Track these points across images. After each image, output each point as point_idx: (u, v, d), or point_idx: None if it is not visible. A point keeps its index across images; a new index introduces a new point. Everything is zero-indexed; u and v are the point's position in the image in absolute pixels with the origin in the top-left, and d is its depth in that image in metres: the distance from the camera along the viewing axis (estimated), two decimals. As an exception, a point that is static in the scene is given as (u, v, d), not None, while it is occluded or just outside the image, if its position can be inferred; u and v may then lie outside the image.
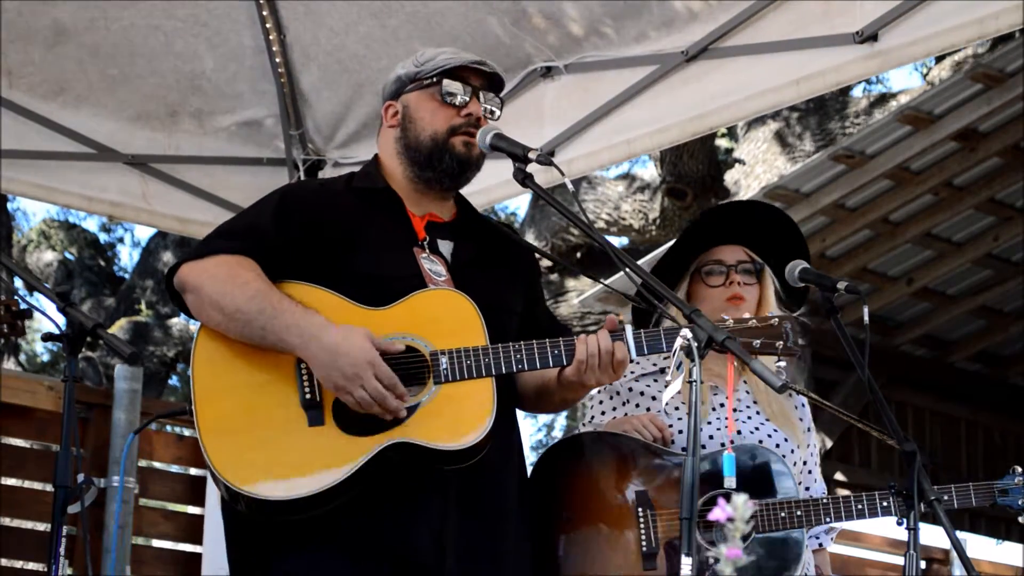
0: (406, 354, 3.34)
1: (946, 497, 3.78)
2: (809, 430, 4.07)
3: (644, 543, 3.70)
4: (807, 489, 3.99)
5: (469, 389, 3.31)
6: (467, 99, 3.51)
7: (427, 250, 3.51)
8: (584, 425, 4.05)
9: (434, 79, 3.52)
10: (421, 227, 3.54)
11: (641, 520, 3.71)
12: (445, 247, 3.56)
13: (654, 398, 3.94)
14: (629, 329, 3.40)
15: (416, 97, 3.55)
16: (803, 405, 4.09)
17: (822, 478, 4.09)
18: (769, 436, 3.87)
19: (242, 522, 3.38)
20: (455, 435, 3.28)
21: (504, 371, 3.33)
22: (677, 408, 3.88)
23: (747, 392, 3.98)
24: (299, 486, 3.24)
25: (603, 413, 4.03)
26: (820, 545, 4.07)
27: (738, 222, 4.02)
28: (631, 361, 3.41)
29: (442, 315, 3.38)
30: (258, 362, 3.36)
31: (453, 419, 3.29)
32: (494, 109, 3.57)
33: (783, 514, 3.71)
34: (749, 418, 3.92)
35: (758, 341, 3.38)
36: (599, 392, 4.06)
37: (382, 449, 3.26)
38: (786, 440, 3.88)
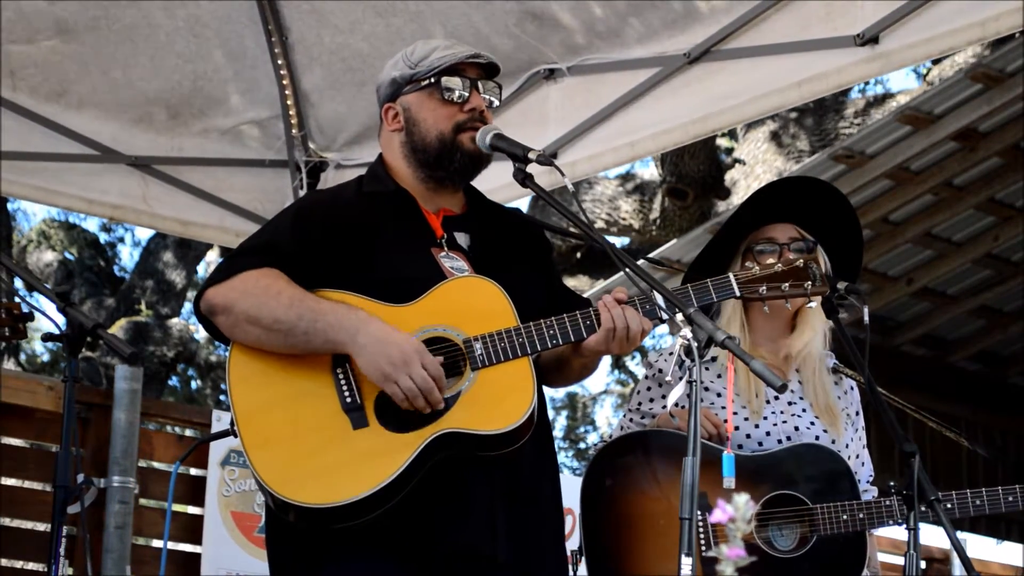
0: (441, 345, 3.33)
1: (978, 502, 3.77)
2: (858, 413, 4.05)
3: (704, 545, 3.68)
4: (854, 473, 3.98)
5: (507, 371, 3.30)
6: (467, 94, 3.49)
7: (445, 248, 3.50)
8: (631, 411, 4.03)
9: (432, 79, 3.50)
10: (438, 224, 3.54)
11: (700, 522, 3.68)
12: (463, 239, 3.55)
13: (707, 388, 3.92)
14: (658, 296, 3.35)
15: (416, 98, 3.53)
16: (852, 389, 4.07)
17: (870, 461, 4.06)
18: (824, 433, 3.87)
19: (290, 531, 3.35)
20: (500, 419, 3.26)
21: (539, 348, 3.32)
22: (732, 402, 3.87)
23: (799, 383, 3.97)
24: (354, 489, 3.21)
25: (651, 401, 4.01)
26: None
27: (789, 199, 3.99)
28: (662, 321, 3.39)
29: (470, 302, 3.37)
30: (293, 373, 3.35)
31: (495, 403, 3.28)
32: (493, 99, 3.55)
33: (845, 517, 3.70)
34: (804, 410, 3.91)
35: (786, 284, 3.41)
36: (647, 379, 4.06)
37: (431, 441, 3.25)
38: (833, 442, 3.87)
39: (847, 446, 3.91)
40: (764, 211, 3.98)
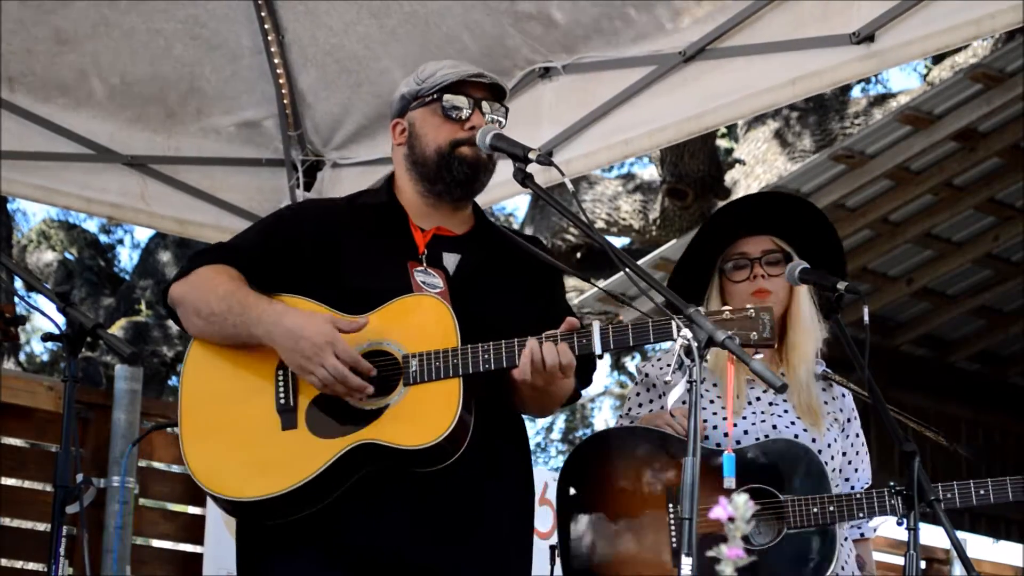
0: (380, 358, 3.38)
1: (981, 491, 3.75)
2: (849, 420, 4.02)
3: (675, 540, 3.69)
4: (846, 480, 3.97)
5: (436, 390, 3.34)
6: (469, 112, 3.52)
7: (424, 263, 3.53)
8: (622, 417, 4.03)
9: (435, 95, 3.54)
10: (423, 241, 3.56)
11: (672, 517, 3.69)
12: (450, 260, 3.56)
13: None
14: (596, 326, 3.35)
15: (420, 114, 3.57)
16: (844, 395, 4.05)
17: (868, 469, 4.03)
18: (804, 432, 3.86)
19: (243, 527, 3.51)
20: (419, 435, 3.30)
21: (471, 371, 3.34)
22: (712, 402, 3.88)
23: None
24: (268, 486, 3.33)
25: (640, 406, 4.01)
26: (862, 535, 4.03)
27: (762, 211, 3.96)
28: (598, 357, 3.37)
29: (417, 319, 3.41)
30: (242, 370, 3.45)
31: (417, 420, 3.32)
32: (500, 120, 3.56)
33: (815, 510, 3.69)
34: (786, 411, 3.90)
35: (731, 332, 3.24)
36: (636, 384, 4.06)
37: (349, 450, 3.32)
38: (814, 440, 3.85)
39: (829, 446, 3.90)
40: (736, 224, 3.95)
